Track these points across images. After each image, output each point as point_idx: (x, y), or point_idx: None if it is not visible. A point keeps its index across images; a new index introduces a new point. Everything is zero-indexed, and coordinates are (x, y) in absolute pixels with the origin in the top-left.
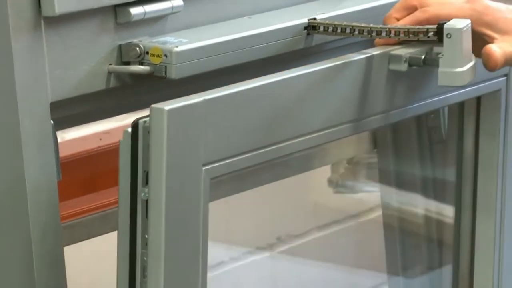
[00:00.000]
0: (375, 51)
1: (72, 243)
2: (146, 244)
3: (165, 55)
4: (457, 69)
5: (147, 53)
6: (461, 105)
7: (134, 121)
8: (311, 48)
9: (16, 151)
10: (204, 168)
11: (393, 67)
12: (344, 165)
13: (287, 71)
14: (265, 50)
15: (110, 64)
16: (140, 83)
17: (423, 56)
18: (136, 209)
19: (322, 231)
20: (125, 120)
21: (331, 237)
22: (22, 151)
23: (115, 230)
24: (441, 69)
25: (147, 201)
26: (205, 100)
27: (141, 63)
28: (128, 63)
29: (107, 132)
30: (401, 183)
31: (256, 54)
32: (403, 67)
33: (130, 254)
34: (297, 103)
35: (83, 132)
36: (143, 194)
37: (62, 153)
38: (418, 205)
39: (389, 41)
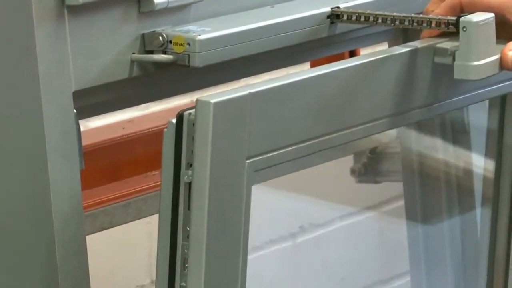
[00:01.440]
0: (420, 44)
1: (95, 232)
2: (188, 237)
3: (188, 44)
4: (473, 62)
5: (170, 42)
6: (502, 97)
7: (179, 113)
8: (334, 37)
9: (39, 140)
10: (248, 161)
11: (438, 60)
12: (366, 155)
13: (331, 64)
14: (288, 39)
15: (133, 53)
16: (163, 72)
17: None
18: (178, 201)
19: (345, 220)
20: (148, 109)
21: (353, 227)
22: (45, 140)
23: (137, 219)
24: (456, 62)
25: (189, 194)
26: (250, 94)
27: (164, 52)
28: (151, 52)
29: (130, 121)
30: (424, 173)
31: (279, 43)
32: (448, 60)
33: (171, 246)
34: (341, 96)
35: (106, 120)
36: (186, 178)
37: (85, 142)
38: (441, 193)
39: (432, 32)
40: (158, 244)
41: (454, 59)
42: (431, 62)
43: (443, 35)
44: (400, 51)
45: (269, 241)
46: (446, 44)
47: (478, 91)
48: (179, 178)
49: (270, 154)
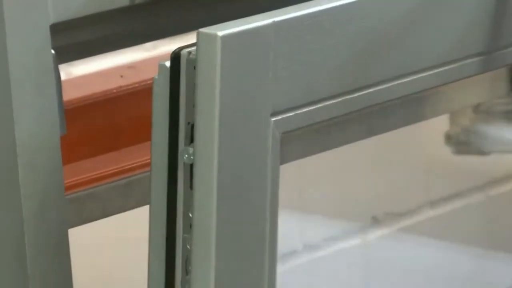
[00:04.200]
0: None
1: (81, 224)
2: (190, 226)
3: None
4: None
5: None
6: None
7: (174, 52)
8: None
9: (2, 92)
10: (273, 119)
11: None
12: (468, 115)
13: None
14: None
15: None
16: (173, 1)
17: None
18: (176, 178)
19: (437, 207)
20: (155, 50)
21: (449, 217)
22: (10, 92)
23: (140, 205)
24: None
25: (191, 165)
26: (274, 23)
27: None
28: None
29: (131, 66)
30: None
31: None
32: None
33: (168, 241)
34: (403, 30)
35: (97, 66)
36: (186, 156)
37: (67, 96)
38: None
39: None
40: (149, 240)
41: None
42: None
43: None
44: None
45: (328, 238)
46: None
47: None
48: (176, 144)
49: (304, 110)
